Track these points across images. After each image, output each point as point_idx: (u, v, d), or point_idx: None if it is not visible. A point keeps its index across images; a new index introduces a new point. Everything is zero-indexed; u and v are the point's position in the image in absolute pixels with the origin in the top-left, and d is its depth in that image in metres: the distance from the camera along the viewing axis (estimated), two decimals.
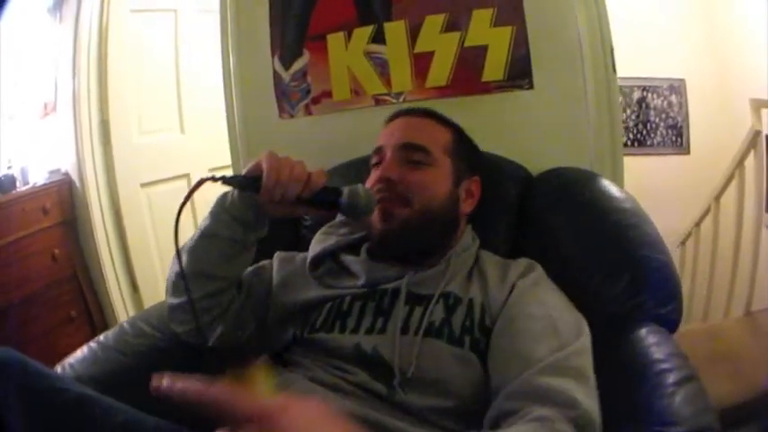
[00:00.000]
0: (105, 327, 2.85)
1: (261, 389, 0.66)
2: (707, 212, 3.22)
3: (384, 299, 1.14)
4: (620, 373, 1.03)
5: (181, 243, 1.11)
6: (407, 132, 1.24)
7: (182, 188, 3.24)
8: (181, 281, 1.13)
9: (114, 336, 1.33)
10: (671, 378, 0.96)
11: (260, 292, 1.25)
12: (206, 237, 1.12)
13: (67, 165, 2.92)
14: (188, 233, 1.13)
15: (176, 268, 1.15)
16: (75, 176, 2.89)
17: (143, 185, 3.11)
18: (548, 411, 0.83)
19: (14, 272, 2.59)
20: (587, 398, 0.87)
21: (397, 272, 1.16)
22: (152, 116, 3.15)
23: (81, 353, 1.26)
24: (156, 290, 2.95)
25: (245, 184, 1.06)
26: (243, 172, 1.07)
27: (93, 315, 2.90)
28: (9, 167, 2.81)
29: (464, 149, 1.29)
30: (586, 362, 0.95)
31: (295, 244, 1.47)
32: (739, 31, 3.62)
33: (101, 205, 2.93)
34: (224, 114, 1.91)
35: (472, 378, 1.02)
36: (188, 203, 1.00)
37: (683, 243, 3.48)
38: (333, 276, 1.23)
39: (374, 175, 1.22)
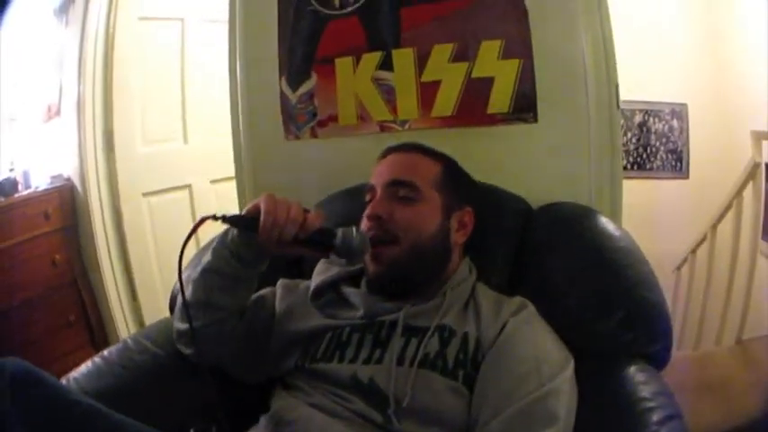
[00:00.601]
0: (103, 332, 2.94)
1: None
2: (703, 240, 3.27)
3: (382, 330, 1.18)
4: (608, 408, 1.07)
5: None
6: (396, 169, 1.28)
7: (184, 199, 3.30)
8: (185, 309, 1.19)
9: (118, 352, 1.37)
10: (655, 416, 1.00)
11: (262, 320, 1.29)
12: (207, 271, 1.19)
13: (70, 170, 2.95)
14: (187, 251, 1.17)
15: (180, 298, 1.20)
16: (77, 182, 2.93)
17: (145, 195, 3.14)
18: None
19: (15, 275, 2.66)
20: None
21: (394, 305, 1.20)
22: (156, 125, 3.18)
23: (86, 367, 1.29)
24: (155, 299, 3.01)
25: (244, 223, 1.12)
26: (243, 212, 1.13)
27: (92, 320, 2.94)
28: (11, 170, 2.85)
29: (455, 181, 1.32)
30: (561, 403, 1.02)
31: (297, 271, 1.50)
32: (743, 60, 3.67)
33: (102, 212, 2.96)
34: (228, 126, 1.94)
35: (464, 410, 1.06)
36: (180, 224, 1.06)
37: (678, 268, 3.54)
38: (333, 307, 1.27)
39: (365, 212, 1.26)
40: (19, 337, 2.59)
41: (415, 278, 1.23)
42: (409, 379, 1.07)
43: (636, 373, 1.11)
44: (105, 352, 1.36)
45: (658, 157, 4.20)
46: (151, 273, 3.14)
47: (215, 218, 1.09)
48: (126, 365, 1.31)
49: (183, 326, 1.25)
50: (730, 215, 3.02)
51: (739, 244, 2.92)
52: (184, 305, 1.15)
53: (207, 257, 1.20)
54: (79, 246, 2.96)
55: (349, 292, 1.27)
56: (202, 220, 1.08)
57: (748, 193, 2.87)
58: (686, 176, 4.15)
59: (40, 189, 2.87)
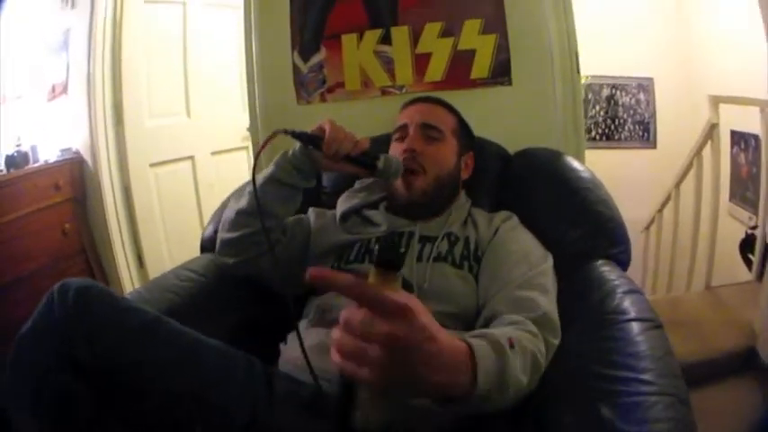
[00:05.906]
0: None
1: (395, 290, 0.80)
2: (668, 199, 3.64)
3: (402, 239, 1.56)
4: (582, 289, 1.41)
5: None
6: (426, 115, 1.69)
7: (187, 169, 3.62)
8: (242, 217, 1.50)
9: (159, 282, 1.54)
10: (620, 289, 1.33)
11: (301, 236, 1.64)
12: (269, 180, 1.49)
13: (79, 144, 3.23)
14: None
15: (238, 206, 1.51)
16: (86, 155, 3.22)
17: (151, 165, 3.45)
18: (519, 317, 1.21)
19: (25, 245, 2.89)
20: (547, 304, 1.28)
21: (410, 221, 1.60)
22: (161, 100, 3.49)
23: (128, 296, 1.39)
24: (162, 264, 3.29)
25: (310, 139, 1.43)
26: (308, 131, 1.44)
27: None
28: (18, 146, 3.11)
29: (463, 130, 1.75)
30: (548, 280, 1.38)
31: (317, 206, 1.83)
32: (703, 32, 4.02)
33: (111, 183, 3.25)
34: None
35: (470, 292, 1.43)
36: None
37: (646, 228, 3.89)
38: (358, 226, 1.65)
39: (400, 145, 1.64)
40: (29, 306, 2.73)
41: (434, 204, 1.63)
42: (427, 270, 1.45)
43: (602, 266, 1.47)
44: (148, 283, 1.55)
45: (626, 128, 4.55)
46: (158, 240, 3.42)
47: (287, 132, 1.42)
48: (173, 290, 1.49)
49: (232, 234, 1.52)
50: (692, 174, 3.40)
51: (701, 200, 3.30)
52: (256, 198, 1.39)
53: (269, 170, 1.50)
54: (88, 216, 3.22)
55: (371, 213, 1.66)
56: (275, 134, 1.39)
57: (707, 152, 3.27)
58: (654, 146, 4.51)
59: (51, 161, 3.14)
